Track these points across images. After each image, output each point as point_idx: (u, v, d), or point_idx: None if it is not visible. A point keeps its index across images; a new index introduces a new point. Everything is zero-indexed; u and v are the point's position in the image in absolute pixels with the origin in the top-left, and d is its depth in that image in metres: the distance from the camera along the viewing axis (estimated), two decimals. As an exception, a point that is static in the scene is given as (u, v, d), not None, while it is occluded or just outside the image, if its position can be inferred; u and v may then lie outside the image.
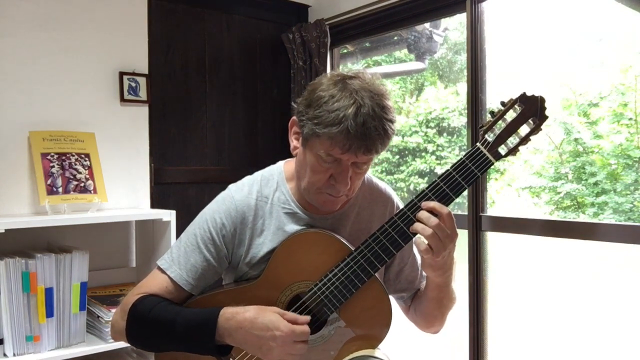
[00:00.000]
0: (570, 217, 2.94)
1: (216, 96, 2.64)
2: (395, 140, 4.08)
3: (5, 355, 1.79)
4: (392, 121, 1.14)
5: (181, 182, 2.53)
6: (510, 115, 1.16)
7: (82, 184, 2.10)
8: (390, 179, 4.00)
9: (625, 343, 2.27)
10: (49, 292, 1.85)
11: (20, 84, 2.08)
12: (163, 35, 2.47)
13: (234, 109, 2.70)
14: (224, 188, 1.33)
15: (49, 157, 2.06)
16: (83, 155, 2.15)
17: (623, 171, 2.72)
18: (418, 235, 1.14)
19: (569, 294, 2.58)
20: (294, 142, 1.24)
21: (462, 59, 3.29)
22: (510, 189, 3.30)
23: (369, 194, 1.33)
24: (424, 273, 1.34)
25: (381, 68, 3.72)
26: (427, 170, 3.93)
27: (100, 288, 2.18)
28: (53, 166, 2.05)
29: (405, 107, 4.09)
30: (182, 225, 1.32)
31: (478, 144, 1.16)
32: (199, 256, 1.24)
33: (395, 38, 3.02)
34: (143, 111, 2.38)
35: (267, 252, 1.25)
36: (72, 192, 2.06)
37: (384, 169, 4.01)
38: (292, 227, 1.25)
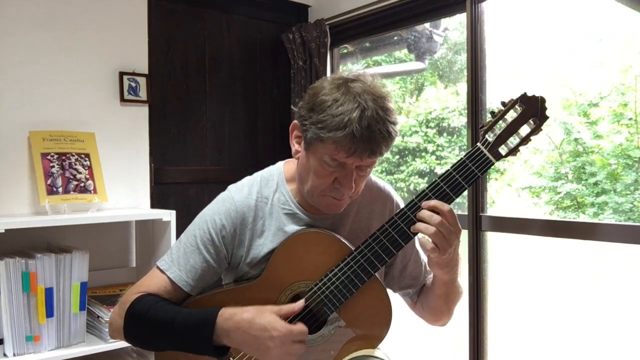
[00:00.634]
0: (570, 217, 2.94)
1: (216, 96, 2.64)
2: (395, 140, 4.08)
3: (5, 355, 1.79)
4: (395, 123, 1.14)
5: (181, 182, 2.53)
6: (511, 116, 1.16)
7: (82, 184, 2.10)
8: (390, 179, 4.00)
9: (625, 343, 2.27)
10: (49, 292, 1.85)
11: (20, 84, 2.08)
12: (163, 35, 2.47)
13: (234, 109, 2.70)
14: (224, 188, 1.33)
15: (49, 157, 2.06)
16: (83, 155, 2.14)
17: (623, 171, 2.72)
18: (422, 235, 1.14)
19: (569, 294, 2.58)
20: (295, 146, 1.24)
21: (462, 59, 3.29)
22: (510, 189, 3.30)
23: (368, 192, 1.33)
24: (428, 268, 1.34)
25: (381, 68, 3.72)
26: (427, 170, 3.93)
27: (100, 288, 2.18)
28: (53, 166, 2.05)
29: (405, 107, 4.09)
30: (182, 225, 1.32)
31: (478, 144, 1.16)
32: (198, 257, 1.24)
33: (395, 38, 3.02)
34: (143, 111, 2.38)
35: (268, 253, 1.25)
36: (72, 192, 2.06)
37: (384, 169, 4.01)
38: (293, 228, 1.25)
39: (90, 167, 2.14)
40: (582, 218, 2.87)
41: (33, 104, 2.10)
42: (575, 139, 2.89)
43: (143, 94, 2.35)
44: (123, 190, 2.31)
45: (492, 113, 1.18)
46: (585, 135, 2.86)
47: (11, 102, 2.06)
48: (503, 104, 1.17)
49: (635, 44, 2.32)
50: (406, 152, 4.01)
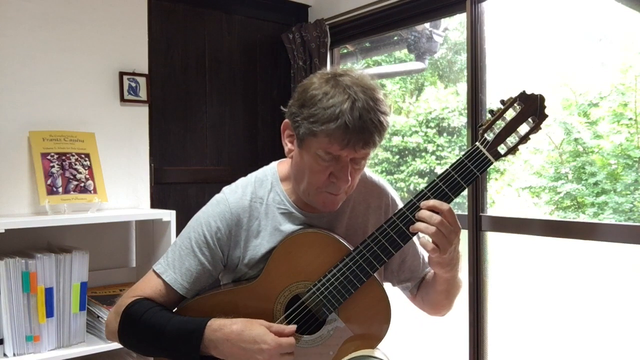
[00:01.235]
0: (570, 217, 2.94)
1: (216, 96, 2.64)
2: (395, 140, 4.08)
3: (5, 355, 1.79)
4: (386, 114, 1.14)
5: (181, 182, 2.53)
6: (510, 114, 1.16)
7: (82, 184, 2.10)
8: (390, 179, 4.00)
9: (625, 343, 2.27)
10: (49, 292, 1.85)
11: (20, 84, 2.08)
12: (163, 35, 2.47)
13: (234, 109, 2.70)
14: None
15: (49, 157, 2.06)
16: (83, 155, 2.15)
17: (623, 171, 2.72)
18: (423, 235, 1.14)
19: (568, 294, 2.58)
20: (288, 145, 1.23)
21: (462, 59, 3.29)
22: (510, 189, 3.30)
23: (363, 188, 1.33)
24: (426, 259, 1.34)
25: (381, 68, 3.72)
26: (427, 170, 3.93)
27: (100, 288, 2.18)
28: (53, 166, 2.05)
29: (405, 107, 4.09)
30: (182, 225, 1.32)
31: (477, 143, 1.16)
32: (193, 260, 1.24)
33: (395, 38, 3.02)
34: (143, 111, 2.39)
35: (265, 253, 1.24)
36: (72, 192, 2.06)
37: (384, 169, 4.01)
38: (289, 227, 1.25)
39: (90, 167, 2.14)
40: (582, 218, 2.87)
41: (33, 103, 2.10)
42: (575, 139, 2.89)
43: (143, 94, 2.35)
44: (123, 190, 2.31)
45: (491, 112, 1.17)
46: (585, 135, 2.86)
47: (11, 102, 2.06)
48: (502, 102, 1.17)
49: (635, 44, 2.32)
50: (406, 152, 4.01)
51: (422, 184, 3.89)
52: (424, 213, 1.13)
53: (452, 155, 3.85)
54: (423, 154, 3.98)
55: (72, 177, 2.08)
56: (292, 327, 1.16)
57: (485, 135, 1.15)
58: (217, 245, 1.25)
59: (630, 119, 2.61)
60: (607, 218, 2.71)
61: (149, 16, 2.39)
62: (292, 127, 1.19)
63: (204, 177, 2.59)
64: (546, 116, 1.15)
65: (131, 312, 1.19)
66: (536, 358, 2.46)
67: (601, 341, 2.40)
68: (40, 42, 2.12)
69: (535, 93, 1.15)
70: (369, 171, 1.38)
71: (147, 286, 1.25)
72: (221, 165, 2.65)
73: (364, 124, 1.09)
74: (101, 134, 2.23)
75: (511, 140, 1.15)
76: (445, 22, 2.99)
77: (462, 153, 1.17)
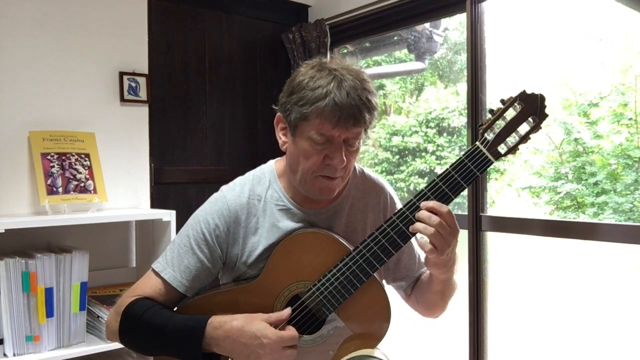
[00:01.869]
0: (570, 217, 2.94)
1: (216, 96, 2.64)
2: (395, 140, 4.08)
3: (5, 355, 1.79)
4: (373, 93, 1.17)
5: (181, 182, 2.53)
6: (510, 114, 1.16)
7: (82, 184, 2.10)
8: (390, 179, 4.00)
9: (626, 343, 2.27)
10: (49, 292, 1.85)
11: (20, 84, 2.08)
12: (163, 35, 2.47)
13: (234, 109, 2.70)
14: (224, 188, 1.33)
15: (49, 157, 2.06)
16: (83, 155, 2.15)
17: (623, 171, 2.72)
18: (421, 236, 1.14)
19: (569, 294, 2.58)
20: (282, 138, 1.27)
21: (462, 59, 3.29)
22: (510, 189, 3.30)
23: (361, 185, 1.34)
24: (422, 259, 1.35)
25: (381, 68, 3.72)
26: (427, 170, 3.93)
27: (100, 288, 2.18)
28: (53, 166, 2.05)
29: (405, 107, 4.10)
30: (182, 225, 1.32)
31: (477, 142, 1.16)
32: (192, 258, 1.24)
33: (395, 38, 3.02)
34: (143, 111, 2.38)
35: (264, 250, 1.25)
36: (72, 192, 2.06)
37: (384, 169, 4.01)
38: (287, 223, 1.26)
39: (90, 167, 2.14)
40: (582, 218, 2.87)
41: (33, 104, 2.10)
42: (575, 139, 2.89)
43: (143, 94, 2.35)
44: (123, 190, 2.31)
45: (491, 111, 1.17)
46: (585, 135, 2.86)
47: (11, 102, 2.06)
48: (502, 102, 1.17)
49: (635, 44, 2.32)
50: (406, 152, 4.01)
51: (422, 184, 3.89)
52: (423, 214, 1.13)
53: (452, 155, 3.84)
54: (423, 154, 3.98)
55: (72, 177, 2.08)
56: (287, 311, 1.17)
57: (486, 134, 1.15)
58: (216, 243, 1.25)
59: (630, 119, 2.61)
60: (607, 218, 2.71)
61: (149, 16, 2.39)
62: (284, 116, 1.22)
63: (204, 177, 2.59)
64: (546, 116, 1.14)
65: (131, 312, 1.19)
66: (536, 358, 2.46)
67: (601, 341, 2.39)
68: (41, 42, 2.12)
69: (536, 92, 1.15)
70: (366, 169, 1.39)
71: (147, 285, 1.25)
72: (221, 165, 2.65)
73: (353, 100, 1.12)
74: (101, 134, 2.23)
75: (511, 139, 1.15)
76: (445, 22, 2.99)
77: (462, 153, 1.17)
